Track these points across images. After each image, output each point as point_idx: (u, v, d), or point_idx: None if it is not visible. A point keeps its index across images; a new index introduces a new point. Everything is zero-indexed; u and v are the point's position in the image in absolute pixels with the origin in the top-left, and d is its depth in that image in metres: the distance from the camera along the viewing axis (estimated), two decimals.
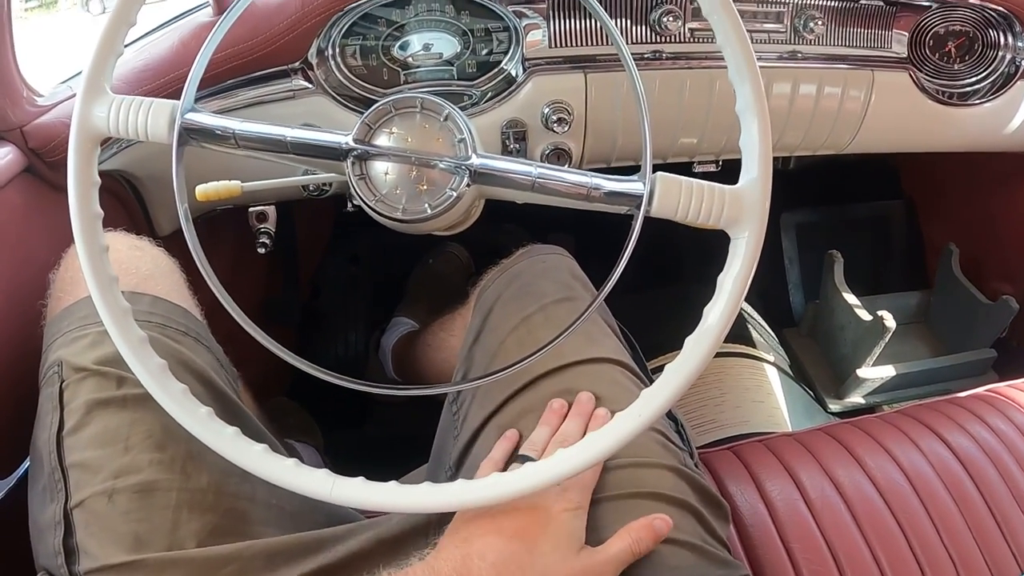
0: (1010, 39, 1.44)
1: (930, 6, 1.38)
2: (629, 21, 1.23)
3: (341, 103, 1.19)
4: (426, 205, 0.73)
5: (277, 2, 1.15)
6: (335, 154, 0.72)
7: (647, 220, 0.68)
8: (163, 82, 1.13)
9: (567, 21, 1.21)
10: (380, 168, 0.72)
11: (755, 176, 0.67)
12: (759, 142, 0.66)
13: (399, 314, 1.71)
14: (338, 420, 1.67)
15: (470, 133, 0.74)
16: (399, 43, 1.21)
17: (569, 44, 1.22)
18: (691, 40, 1.26)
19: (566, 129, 1.22)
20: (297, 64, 1.16)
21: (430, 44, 1.21)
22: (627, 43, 1.22)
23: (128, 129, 0.69)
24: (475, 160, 0.72)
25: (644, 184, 0.67)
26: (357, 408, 1.74)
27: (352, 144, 0.72)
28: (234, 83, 1.16)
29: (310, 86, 1.18)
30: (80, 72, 1.30)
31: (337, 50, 1.18)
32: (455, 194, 0.72)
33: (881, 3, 1.35)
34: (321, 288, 2.00)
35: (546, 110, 1.22)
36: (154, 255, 1.01)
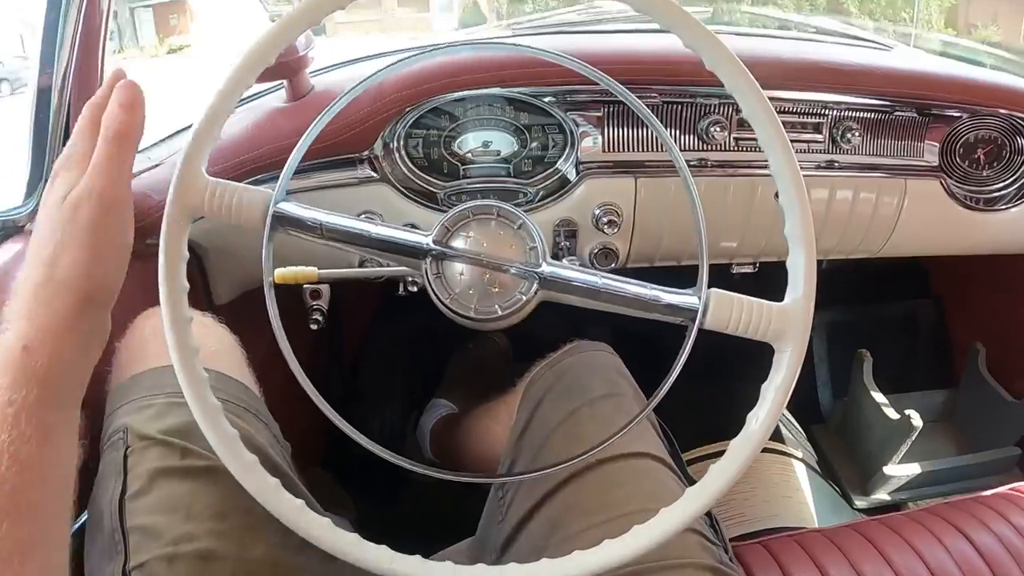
0: None
1: (961, 116, 1.45)
2: (678, 131, 1.30)
3: (403, 193, 1.26)
4: (497, 306, 0.78)
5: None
6: (415, 253, 0.78)
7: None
8: (236, 162, 1.21)
9: (620, 129, 1.28)
10: (456, 268, 0.78)
11: (800, 296, 0.73)
12: (804, 266, 0.72)
13: (438, 396, 1.75)
14: (371, 494, 1.70)
15: (541, 242, 0.80)
16: (459, 139, 1.28)
17: (621, 149, 1.29)
18: (735, 149, 1.33)
19: (615, 231, 1.28)
20: (365, 154, 1.24)
21: (489, 141, 1.29)
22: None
23: (222, 213, 0.75)
24: (545, 268, 0.78)
25: (699, 299, 0.73)
26: (391, 484, 1.77)
27: (432, 245, 0.78)
28: (304, 166, 1.23)
29: (375, 175, 1.25)
30: (156, 142, 1.39)
31: (401, 143, 1.26)
32: (524, 298, 0.78)
33: (914, 114, 1.42)
34: (362, 365, 2.05)
35: (597, 211, 1.28)
36: (218, 333, 1.06)
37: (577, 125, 1.26)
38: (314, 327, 1.35)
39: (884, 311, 2.27)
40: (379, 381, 2.00)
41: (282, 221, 0.76)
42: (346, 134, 1.21)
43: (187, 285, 0.74)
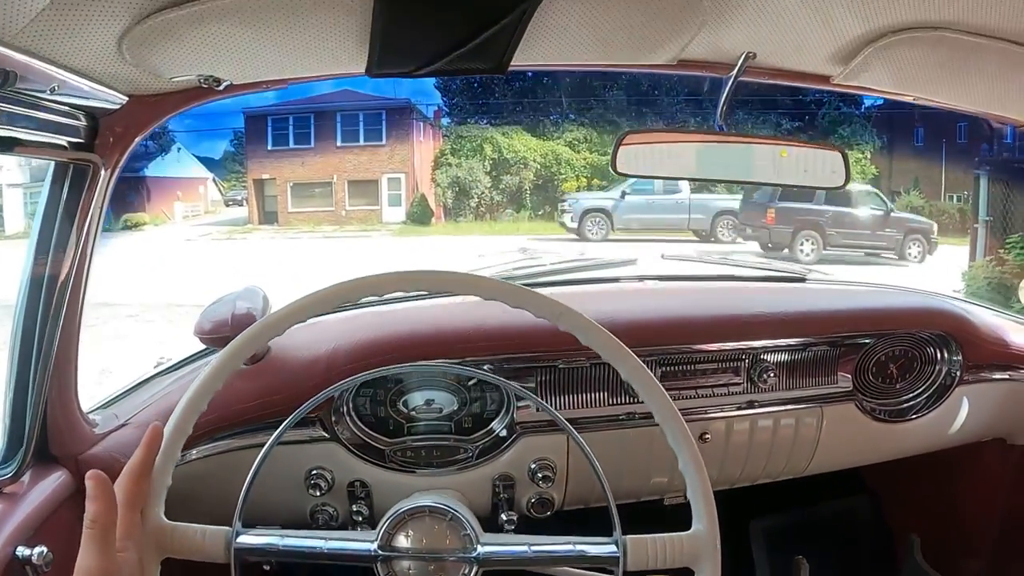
0: (946, 354, 1.65)
1: (870, 342, 1.59)
2: (606, 392, 1.42)
3: (351, 452, 1.35)
4: None
5: (306, 360, 1.35)
6: (365, 559, 0.88)
7: None
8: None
9: (553, 395, 1.41)
10: (404, 565, 0.88)
11: (703, 520, 0.85)
12: (702, 494, 0.85)
13: None
14: None
15: (472, 527, 0.90)
16: (404, 397, 1.39)
17: (552, 404, 1.40)
18: None
19: (550, 485, 1.38)
20: (316, 416, 1.33)
21: (432, 399, 1.40)
22: (606, 406, 1.42)
23: (188, 552, 0.83)
24: (480, 550, 0.88)
25: (617, 547, 0.85)
26: None
27: (378, 551, 0.87)
28: (262, 426, 1.31)
29: (326, 435, 1.34)
30: (120, 395, 1.46)
31: (351, 406, 1.36)
32: None
33: (827, 348, 1.56)
34: None
35: (533, 466, 1.38)
36: None
37: (514, 392, 1.37)
38: (267, 567, 1.39)
39: (821, 511, 2.32)
40: None
41: (243, 552, 0.85)
42: (301, 399, 1.28)
43: None
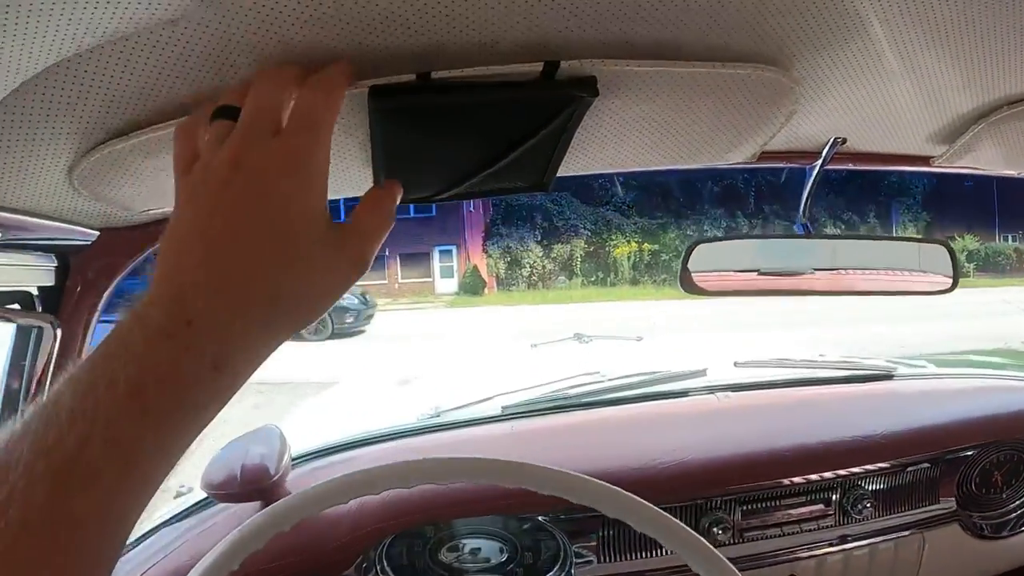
0: None
1: (972, 454, 1.39)
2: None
3: None
4: None
5: (329, 518, 1.16)
6: None
7: None
8: None
9: (618, 554, 1.23)
10: None
11: None
12: None
13: None
14: None
15: None
16: (447, 545, 1.20)
17: (619, 559, 1.22)
18: (741, 541, 1.27)
19: None
20: (346, 571, 1.16)
21: (477, 549, 1.21)
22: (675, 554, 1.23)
23: None
24: None
25: None
26: None
27: None
28: None
29: None
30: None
31: (385, 563, 1.17)
32: None
33: (927, 465, 1.36)
34: None
35: None
36: None
37: (575, 551, 1.20)
38: None
39: None
40: None
41: None
42: (325, 560, 1.15)
43: None
